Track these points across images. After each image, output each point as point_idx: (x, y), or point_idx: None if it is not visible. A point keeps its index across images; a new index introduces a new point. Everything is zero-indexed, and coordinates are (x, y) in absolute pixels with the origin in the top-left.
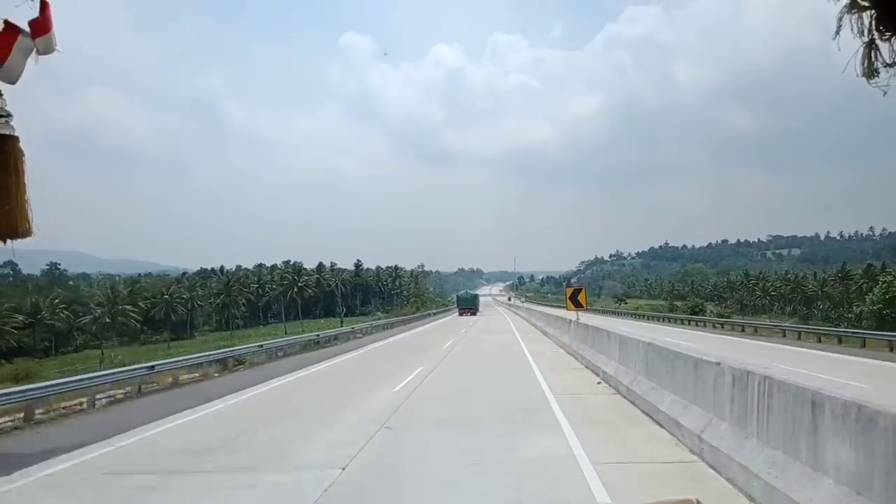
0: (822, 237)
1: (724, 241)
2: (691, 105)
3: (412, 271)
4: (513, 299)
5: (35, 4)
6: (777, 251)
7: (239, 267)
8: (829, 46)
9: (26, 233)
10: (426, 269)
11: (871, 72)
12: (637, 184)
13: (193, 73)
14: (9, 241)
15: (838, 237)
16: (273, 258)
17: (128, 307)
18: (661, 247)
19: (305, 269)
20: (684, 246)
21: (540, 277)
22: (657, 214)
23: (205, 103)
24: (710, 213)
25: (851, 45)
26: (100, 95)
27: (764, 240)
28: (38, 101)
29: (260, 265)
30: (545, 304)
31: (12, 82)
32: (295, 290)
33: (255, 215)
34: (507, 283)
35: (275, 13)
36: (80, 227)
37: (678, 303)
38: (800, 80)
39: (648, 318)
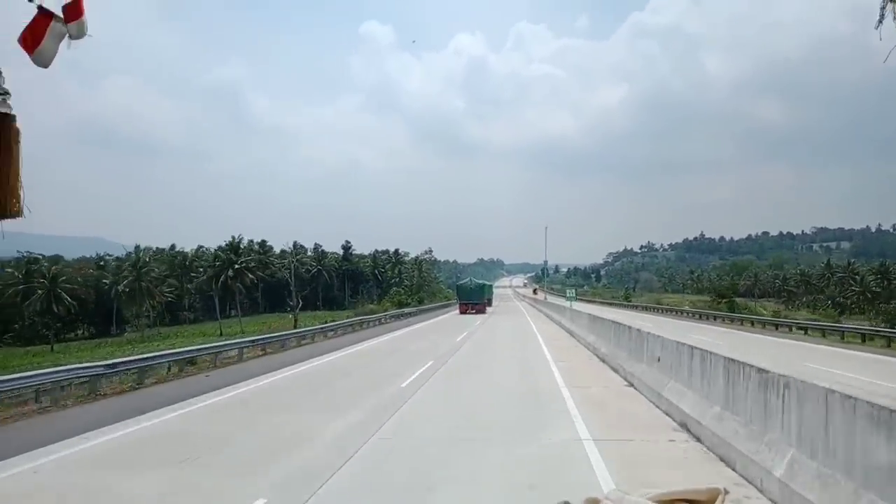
0: (874, 229)
1: (765, 233)
2: (721, 95)
3: (417, 258)
4: (541, 293)
5: None
6: (824, 244)
7: (200, 247)
8: (865, 36)
9: (17, 213)
10: (435, 255)
11: None
12: (665, 175)
13: (215, 62)
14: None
15: (892, 230)
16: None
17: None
18: (696, 238)
19: (257, 247)
20: (722, 238)
21: (564, 269)
22: (689, 206)
23: (226, 93)
24: (745, 205)
25: (893, 35)
26: (123, 84)
27: (808, 232)
28: (62, 91)
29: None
30: (586, 300)
31: (45, 66)
32: (230, 273)
33: (277, 203)
34: (529, 274)
35: (296, 2)
36: (102, 214)
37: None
38: (837, 70)
39: (734, 322)
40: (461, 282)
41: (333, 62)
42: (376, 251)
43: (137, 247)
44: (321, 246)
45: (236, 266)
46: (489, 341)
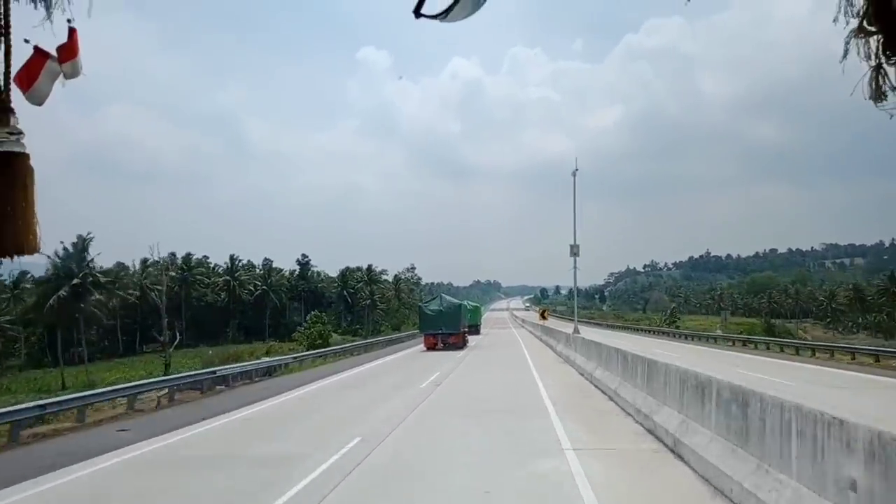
0: (887, 244)
1: (773, 250)
2: (718, 115)
3: (396, 276)
4: (549, 317)
5: (63, 29)
6: (837, 260)
7: (120, 263)
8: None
9: (34, 249)
10: (419, 274)
11: (878, 95)
12: (665, 194)
13: (214, 90)
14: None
15: None
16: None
17: None
18: (702, 256)
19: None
20: (728, 255)
21: (564, 291)
22: (691, 225)
23: (225, 120)
24: (748, 223)
25: (859, 68)
26: (122, 113)
27: (818, 248)
28: (61, 120)
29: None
30: (592, 324)
31: (39, 104)
32: (63, 293)
33: (275, 227)
34: (528, 296)
35: (294, 29)
36: (102, 240)
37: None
38: (835, 89)
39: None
40: (426, 305)
41: (331, 87)
42: (347, 268)
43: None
44: (271, 261)
45: (76, 281)
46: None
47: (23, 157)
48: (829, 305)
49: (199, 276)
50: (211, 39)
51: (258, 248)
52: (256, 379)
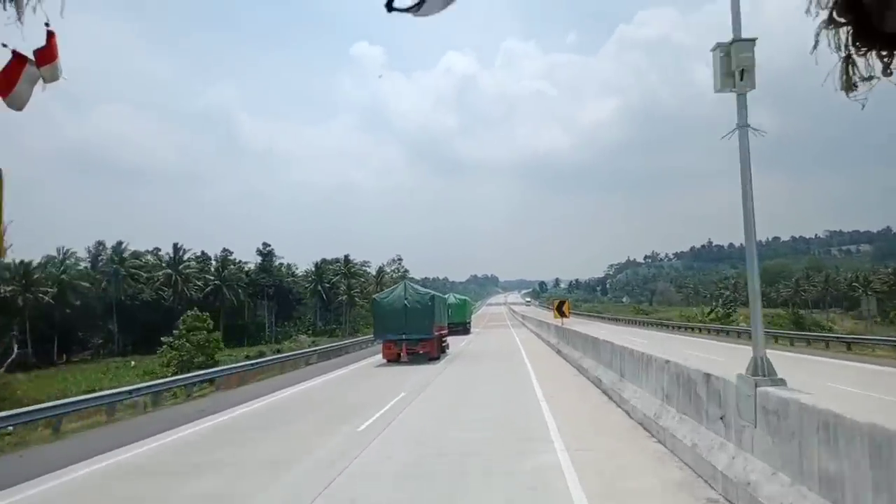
0: (895, 230)
1: (776, 238)
2: (712, 105)
3: (380, 269)
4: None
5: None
6: (843, 247)
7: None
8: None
9: (0, 254)
10: (404, 265)
11: (849, 85)
12: (662, 185)
13: (205, 87)
14: None
15: None
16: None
17: None
18: (703, 246)
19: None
20: (731, 245)
21: (564, 283)
22: (690, 215)
23: (216, 117)
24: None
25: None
26: (112, 112)
27: (822, 235)
28: (50, 119)
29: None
30: (594, 316)
31: (19, 109)
32: None
33: (269, 226)
34: (525, 290)
35: (285, 25)
36: (91, 240)
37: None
38: (831, 76)
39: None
40: (383, 296)
41: (324, 83)
42: (323, 260)
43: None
44: (230, 252)
45: None
46: None
47: None
48: (864, 293)
49: (133, 270)
50: (201, 37)
51: (251, 246)
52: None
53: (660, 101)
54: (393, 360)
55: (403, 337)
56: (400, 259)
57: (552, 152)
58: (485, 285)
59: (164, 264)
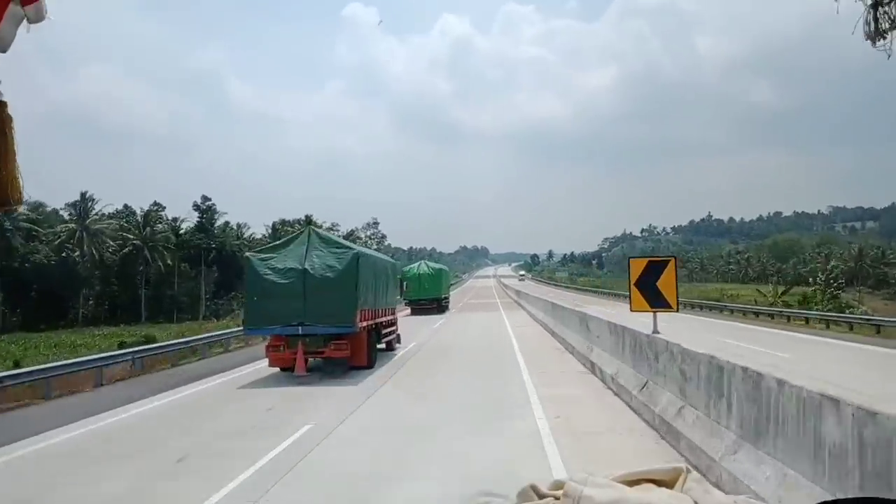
0: None
1: (778, 213)
2: (715, 76)
3: (352, 232)
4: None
5: None
6: (847, 223)
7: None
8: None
9: (17, 201)
10: (380, 230)
11: (876, 35)
12: (662, 158)
13: (195, 50)
14: None
15: None
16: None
17: None
18: (703, 220)
19: None
20: (731, 219)
21: (557, 257)
22: (689, 188)
23: (207, 81)
24: (748, 186)
25: (854, 9)
26: (101, 73)
27: (825, 211)
28: (38, 80)
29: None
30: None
31: (3, 51)
32: None
33: (259, 190)
34: (516, 263)
35: None
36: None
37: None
38: (838, 49)
39: None
40: (265, 255)
41: (316, 47)
42: (283, 221)
43: None
44: (162, 207)
45: None
46: None
47: (1, 106)
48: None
49: (29, 225)
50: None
51: (239, 212)
52: None
53: (661, 70)
54: (284, 366)
55: (300, 330)
56: (376, 223)
57: (548, 120)
58: (474, 257)
59: (68, 217)
